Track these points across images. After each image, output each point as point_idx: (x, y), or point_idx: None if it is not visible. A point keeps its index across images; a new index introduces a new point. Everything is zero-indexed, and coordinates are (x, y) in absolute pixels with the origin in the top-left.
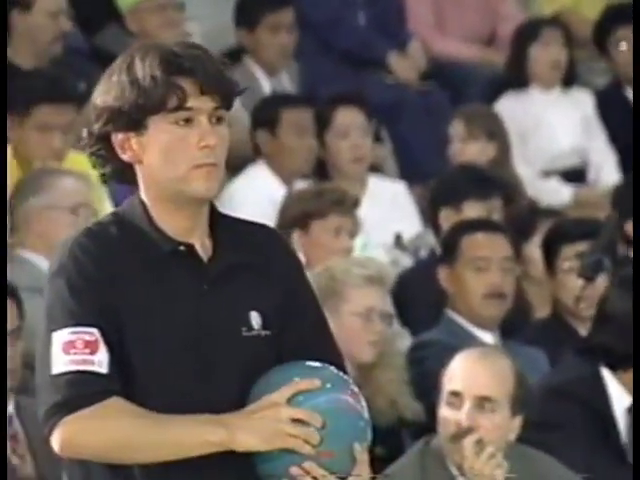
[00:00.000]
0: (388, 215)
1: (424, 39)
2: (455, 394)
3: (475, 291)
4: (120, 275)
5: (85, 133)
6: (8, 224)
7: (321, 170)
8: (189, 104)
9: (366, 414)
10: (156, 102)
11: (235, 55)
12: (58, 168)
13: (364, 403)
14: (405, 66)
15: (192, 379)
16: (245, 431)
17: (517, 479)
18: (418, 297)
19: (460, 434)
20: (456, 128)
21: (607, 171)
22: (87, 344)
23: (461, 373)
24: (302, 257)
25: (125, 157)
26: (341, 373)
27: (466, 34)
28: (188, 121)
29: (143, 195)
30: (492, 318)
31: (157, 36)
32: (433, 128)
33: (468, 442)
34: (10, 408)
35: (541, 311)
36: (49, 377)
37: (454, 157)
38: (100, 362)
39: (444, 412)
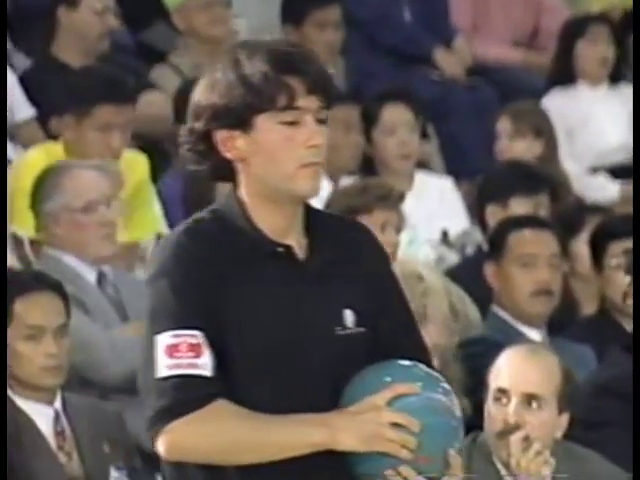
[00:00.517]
0: (435, 211)
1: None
2: (502, 391)
3: (522, 288)
4: (220, 274)
5: (185, 131)
6: (33, 223)
7: (368, 166)
8: (297, 103)
9: (458, 412)
10: (265, 100)
11: None
12: (70, 164)
13: (456, 400)
14: (451, 62)
15: (289, 379)
16: (346, 432)
17: (565, 477)
18: None
19: (507, 431)
20: (503, 125)
21: None
22: (191, 347)
23: (508, 370)
24: None
25: (228, 155)
26: (431, 370)
27: (510, 28)
28: (294, 121)
29: (242, 193)
30: (539, 315)
31: (204, 33)
32: (480, 124)
33: (515, 439)
34: (57, 405)
35: (588, 308)
36: (154, 381)
37: (501, 154)
38: (205, 365)
39: (491, 409)
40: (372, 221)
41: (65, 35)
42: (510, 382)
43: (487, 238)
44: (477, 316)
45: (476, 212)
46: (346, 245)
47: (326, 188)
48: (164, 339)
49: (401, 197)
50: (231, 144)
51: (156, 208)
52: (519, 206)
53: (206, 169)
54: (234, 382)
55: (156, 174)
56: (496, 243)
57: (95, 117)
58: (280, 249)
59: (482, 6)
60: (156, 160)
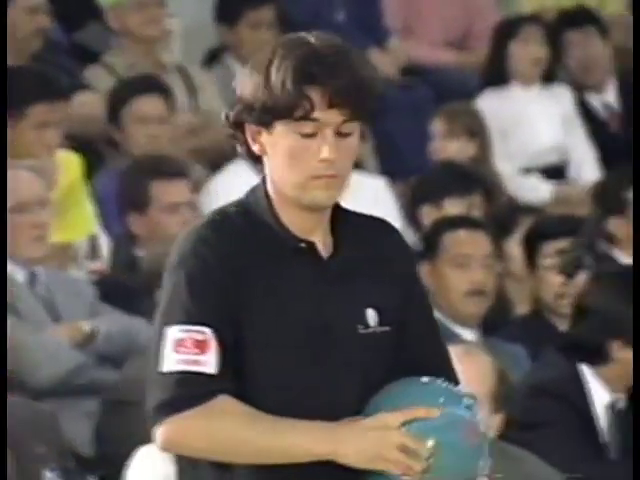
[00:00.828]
0: (368, 212)
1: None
2: None
3: (456, 288)
4: (242, 269)
5: (224, 116)
6: None
7: None
8: (315, 115)
9: (482, 426)
10: (283, 110)
11: (216, 52)
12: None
13: (480, 415)
14: (386, 62)
15: (310, 378)
16: (350, 447)
17: (500, 477)
18: None
19: None
20: (437, 126)
21: (587, 168)
22: (197, 344)
23: None
24: None
25: (254, 148)
26: (452, 385)
27: (443, 29)
28: (312, 133)
29: (269, 188)
30: (473, 315)
31: (138, 33)
32: (415, 124)
33: None
34: None
35: (521, 308)
36: (158, 374)
37: (435, 155)
38: (208, 362)
39: None
40: None
41: None
42: None
43: (422, 238)
44: None
45: (410, 213)
46: (373, 244)
47: None
48: (172, 333)
49: None
50: (257, 139)
51: (89, 208)
52: (453, 206)
53: (243, 152)
54: (251, 380)
55: (90, 174)
56: (431, 243)
57: (30, 117)
58: (302, 245)
59: (415, 7)
60: (90, 160)
